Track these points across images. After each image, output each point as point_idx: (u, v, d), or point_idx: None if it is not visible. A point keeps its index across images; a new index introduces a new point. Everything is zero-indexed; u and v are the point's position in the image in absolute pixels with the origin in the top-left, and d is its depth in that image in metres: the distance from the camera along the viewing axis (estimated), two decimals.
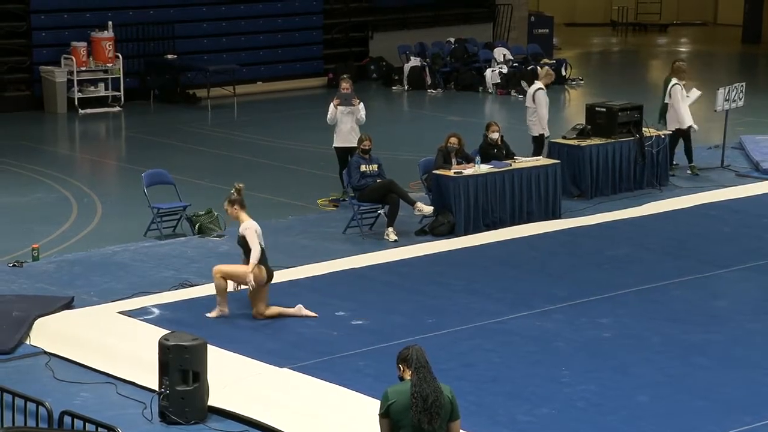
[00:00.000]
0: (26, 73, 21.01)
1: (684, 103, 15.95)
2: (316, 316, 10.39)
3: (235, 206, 10.27)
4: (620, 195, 15.04)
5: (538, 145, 15.30)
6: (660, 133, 15.72)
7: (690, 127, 15.98)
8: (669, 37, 33.95)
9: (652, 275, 11.79)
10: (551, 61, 24.60)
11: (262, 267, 10.17)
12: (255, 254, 10.07)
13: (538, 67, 22.99)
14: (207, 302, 10.58)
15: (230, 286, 10.29)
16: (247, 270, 10.06)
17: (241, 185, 10.38)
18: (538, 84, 15.55)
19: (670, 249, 12.80)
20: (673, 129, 15.96)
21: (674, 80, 16.08)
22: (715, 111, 16.83)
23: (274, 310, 10.37)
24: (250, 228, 10.13)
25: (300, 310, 10.42)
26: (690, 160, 16.33)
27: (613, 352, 9.83)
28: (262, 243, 10.20)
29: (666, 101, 16.15)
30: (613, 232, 13.41)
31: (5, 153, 17.07)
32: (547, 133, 15.32)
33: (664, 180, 15.61)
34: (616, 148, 15.15)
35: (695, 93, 16.45)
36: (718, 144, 17.07)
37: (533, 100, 15.30)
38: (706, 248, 12.86)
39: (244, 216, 10.25)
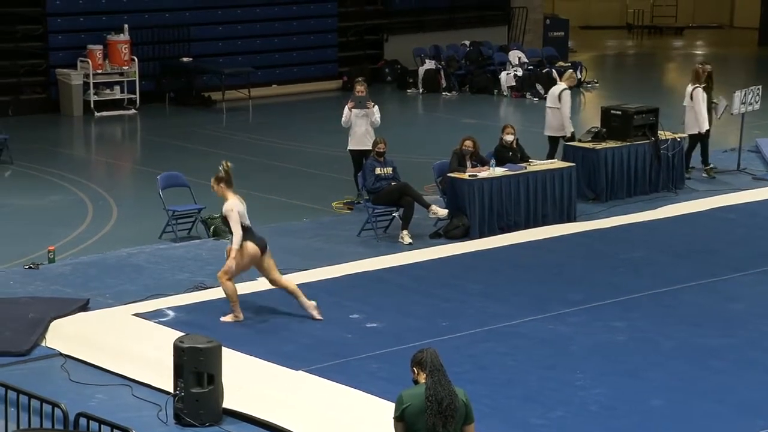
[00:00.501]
0: (43, 75, 21.11)
1: (704, 107, 15.91)
2: (321, 320, 10.38)
3: (221, 184, 10.31)
4: (635, 198, 15.02)
5: (554, 146, 15.34)
6: (675, 136, 15.70)
7: (707, 130, 15.98)
8: (685, 40, 33.87)
9: (667, 278, 11.76)
10: (566, 64, 24.57)
11: (252, 243, 10.19)
12: (236, 238, 10.15)
13: (554, 70, 23.16)
14: (222, 305, 10.60)
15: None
16: (231, 256, 10.14)
17: (229, 164, 10.38)
18: (562, 85, 15.60)
19: (685, 252, 12.77)
20: (694, 132, 15.92)
21: (692, 84, 16.03)
22: (732, 114, 16.80)
23: (291, 286, 10.41)
24: (233, 210, 10.17)
25: (312, 307, 10.41)
26: (706, 162, 16.31)
27: (627, 355, 9.81)
28: (246, 221, 10.25)
29: (685, 104, 16.11)
30: (628, 235, 13.39)
31: (22, 155, 17.14)
32: (572, 130, 15.34)
33: (680, 183, 15.58)
34: (632, 151, 15.13)
35: (723, 103, 16.42)
36: (734, 147, 17.03)
37: (559, 99, 15.34)
38: (722, 251, 12.82)
39: (229, 195, 10.28)
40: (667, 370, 9.50)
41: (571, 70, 17.00)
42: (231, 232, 10.31)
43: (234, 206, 10.19)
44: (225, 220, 10.31)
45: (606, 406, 8.81)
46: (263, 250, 10.31)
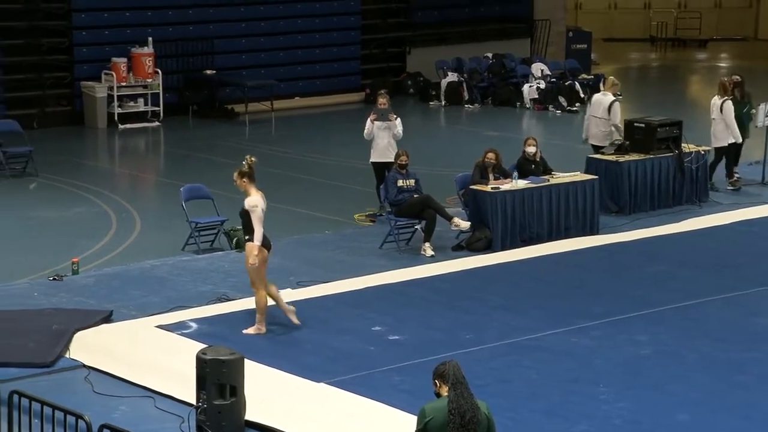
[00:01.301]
0: (67, 88, 21.24)
1: (733, 118, 15.92)
2: (297, 324, 10.36)
3: (245, 179, 10.25)
4: (659, 211, 14.96)
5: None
6: (699, 148, 15.64)
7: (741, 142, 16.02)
8: (708, 52, 33.72)
9: (691, 292, 11.70)
10: (589, 77, 24.53)
11: (263, 248, 10.17)
12: (258, 236, 10.09)
13: (577, 83, 23.09)
14: (244, 316, 10.62)
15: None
16: (253, 253, 10.08)
17: (253, 159, 10.33)
18: (609, 95, 15.60)
19: (709, 266, 12.70)
20: (723, 145, 15.90)
21: (717, 97, 16.00)
22: (756, 126, 16.72)
23: (273, 290, 10.37)
24: (257, 206, 10.11)
25: (291, 312, 10.40)
26: (731, 174, 16.25)
27: (652, 369, 9.76)
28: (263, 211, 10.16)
29: (713, 117, 16.06)
30: (652, 248, 13.33)
31: (46, 168, 17.24)
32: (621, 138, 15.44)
33: (704, 196, 15.51)
34: (655, 163, 15.08)
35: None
36: (758, 160, 16.94)
37: (609, 111, 15.35)
38: (746, 265, 12.74)
39: (252, 190, 10.23)
40: (692, 384, 9.44)
41: (612, 77, 16.96)
42: (246, 227, 10.22)
43: (259, 203, 10.14)
44: (245, 214, 10.22)
45: (630, 420, 8.76)
46: (268, 248, 10.31)
